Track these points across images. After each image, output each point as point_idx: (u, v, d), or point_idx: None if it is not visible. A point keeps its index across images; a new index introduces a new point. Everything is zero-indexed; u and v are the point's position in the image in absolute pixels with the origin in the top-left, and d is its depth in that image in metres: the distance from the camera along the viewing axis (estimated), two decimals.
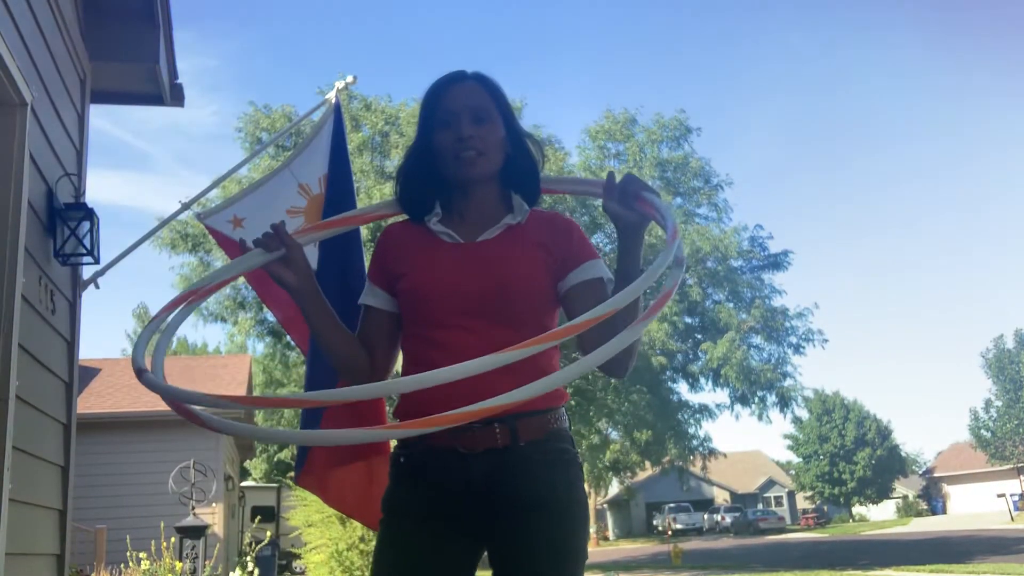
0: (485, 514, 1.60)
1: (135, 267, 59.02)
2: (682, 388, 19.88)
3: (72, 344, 4.13)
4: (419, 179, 1.79)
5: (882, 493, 51.08)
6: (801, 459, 52.34)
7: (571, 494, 1.64)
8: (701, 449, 20.34)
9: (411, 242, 1.76)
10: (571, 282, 1.68)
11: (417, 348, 1.69)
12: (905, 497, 55.91)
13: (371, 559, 1.77)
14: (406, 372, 1.67)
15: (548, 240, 1.71)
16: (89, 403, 12.71)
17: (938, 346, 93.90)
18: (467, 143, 1.70)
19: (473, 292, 1.64)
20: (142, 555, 7.90)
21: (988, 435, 44.04)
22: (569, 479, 1.65)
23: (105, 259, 4.29)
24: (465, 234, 1.72)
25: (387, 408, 3.81)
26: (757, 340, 18.57)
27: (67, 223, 3.85)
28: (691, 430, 19.81)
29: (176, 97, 5.13)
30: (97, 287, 4.39)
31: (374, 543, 1.75)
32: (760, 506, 52.08)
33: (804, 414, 33.28)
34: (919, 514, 52.46)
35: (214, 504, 12.48)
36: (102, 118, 62.17)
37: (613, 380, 17.59)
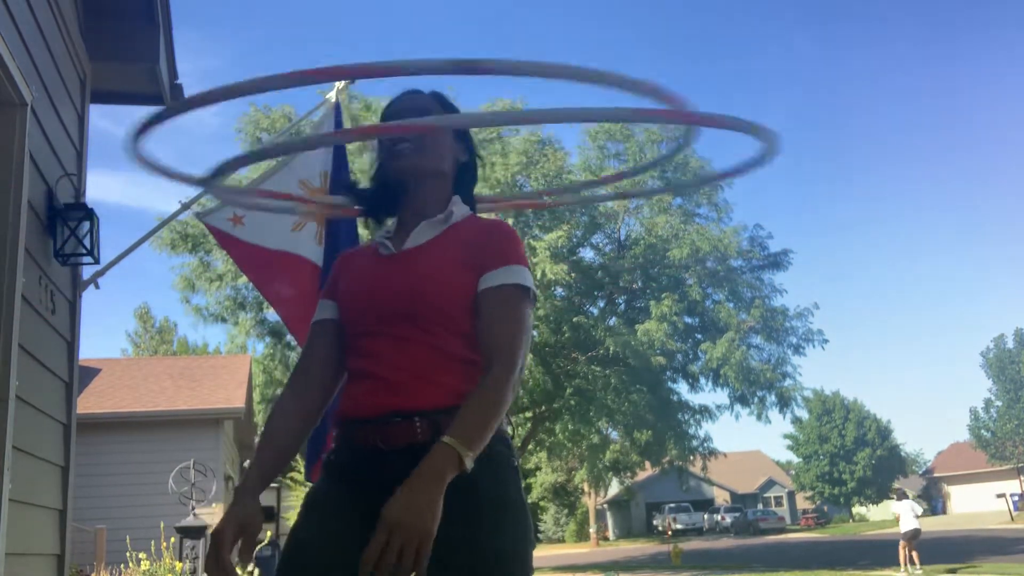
0: None
1: (135, 267, 59.11)
2: (682, 388, 19.91)
3: (72, 344, 4.13)
4: (376, 190, 1.81)
5: (882, 493, 51.06)
6: (801, 459, 52.33)
7: (503, 497, 1.54)
8: (701, 449, 20.32)
9: (356, 259, 1.79)
10: (480, 287, 1.61)
11: (349, 358, 1.68)
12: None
13: None
14: (344, 387, 1.67)
15: (473, 241, 1.65)
16: (89, 403, 12.70)
17: (938, 346, 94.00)
18: (404, 136, 1.70)
19: (388, 298, 1.62)
20: (142, 555, 7.89)
21: (988, 435, 44.04)
22: (497, 478, 1.55)
23: (105, 259, 4.30)
24: (399, 242, 1.71)
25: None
26: (757, 340, 18.56)
27: (67, 223, 3.85)
28: (691, 430, 19.81)
29: (176, 97, 5.13)
30: (97, 287, 4.39)
31: None
32: (760, 506, 52.05)
33: (804, 414, 33.27)
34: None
35: (214, 504, 12.48)
36: (103, 118, 62.24)
37: (613, 380, 17.59)
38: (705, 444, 20.30)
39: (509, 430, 1.66)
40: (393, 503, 1.35)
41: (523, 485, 1.64)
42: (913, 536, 14.11)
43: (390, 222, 1.78)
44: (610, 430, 21.12)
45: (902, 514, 14.38)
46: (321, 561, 1.52)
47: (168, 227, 15.49)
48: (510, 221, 16.06)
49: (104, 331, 59.78)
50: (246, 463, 19.85)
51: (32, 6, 3.43)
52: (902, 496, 15.05)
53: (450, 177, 1.78)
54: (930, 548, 20.09)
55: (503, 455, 1.59)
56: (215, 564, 1.45)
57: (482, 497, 1.51)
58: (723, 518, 46.61)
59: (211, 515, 12.18)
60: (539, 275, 15.53)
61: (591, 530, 44.84)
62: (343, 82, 5.18)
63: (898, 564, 14.31)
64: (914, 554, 14.10)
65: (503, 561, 1.49)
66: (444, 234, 1.69)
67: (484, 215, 1.86)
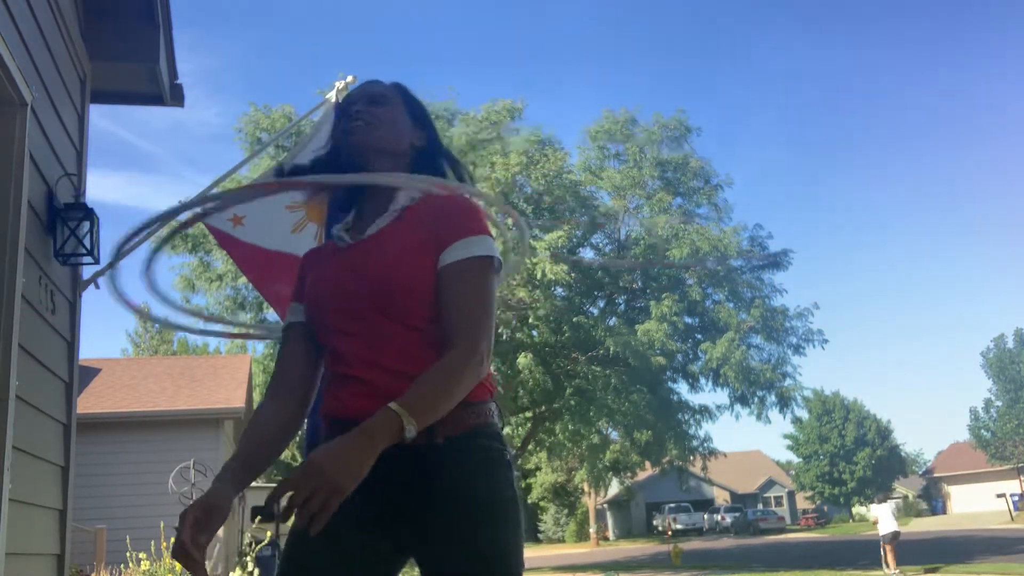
0: (403, 518, 1.51)
1: (135, 267, 59.09)
2: (682, 388, 19.92)
3: (72, 344, 4.13)
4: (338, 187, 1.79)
5: (882, 493, 51.07)
6: (801, 459, 52.33)
7: (495, 494, 1.51)
8: (701, 449, 20.33)
9: (317, 256, 1.75)
10: (440, 264, 1.56)
11: (327, 359, 1.65)
12: (905, 497, 55.91)
13: None
14: (327, 387, 1.64)
15: (429, 219, 1.60)
16: (89, 403, 12.70)
17: (938, 346, 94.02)
18: (355, 115, 1.68)
19: (351, 292, 1.58)
20: (142, 555, 7.88)
21: (988, 435, 44.05)
22: (494, 478, 1.53)
23: (105, 259, 4.30)
24: (358, 232, 1.67)
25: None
26: (757, 340, 18.57)
27: (67, 223, 3.85)
28: (691, 430, 19.83)
29: (176, 97, 5.13)
30: (97, 287, 4.39)
31: None
32: (760, 506, 52.06)
33: (804, 414, 33.29)
34: (919, 514, 52.45)
35: None
36: (105, 119, 62.28)
37: (613, 380, 17.58)
38: (705, 444, 20.32)
39: (507, 429, 1.64)
40: (321, 449, 1.34)
41: (519, 481, 1.63)
42: (893, 538, 15.01)
43: (350, 215, 1.74)
44: (610, 430, 21.12)
45: (881, 517, 15.22)
46: (320, 563, 1.52)
47: (168, 227, 15.48)
48: (509, 221, 16.07)
49: (104, 331, 59.82)
50: None
51: (32, 6, 3.43)
52: (883, 500, 16.15)
53: (404, 160, 1.73)
54: (930, 548, 20.10)
55: (497, 451, 1.57)
56: (177, 545, 1.43)
57: (478, 496, 1.50)
58: (723, 518, 46.62)
59: None
60: (539, 275, 15.52)
61: (591, 530, 44.85)
62: (343, 81, 5.18)
63: (887, 565, 15.01)
64: (890, 557, 15.00)
65: (497, 557, 1.48)
66: (400, 217, 1.64)
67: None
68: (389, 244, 1.60)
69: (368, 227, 1.66)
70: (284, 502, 1.31)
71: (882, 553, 15.16)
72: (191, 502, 1.49)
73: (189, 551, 1.41)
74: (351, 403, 1.54)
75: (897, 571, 14.67)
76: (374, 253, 1.60)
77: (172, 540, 1.60)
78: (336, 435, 1.57)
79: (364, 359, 1.55)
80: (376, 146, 1.68)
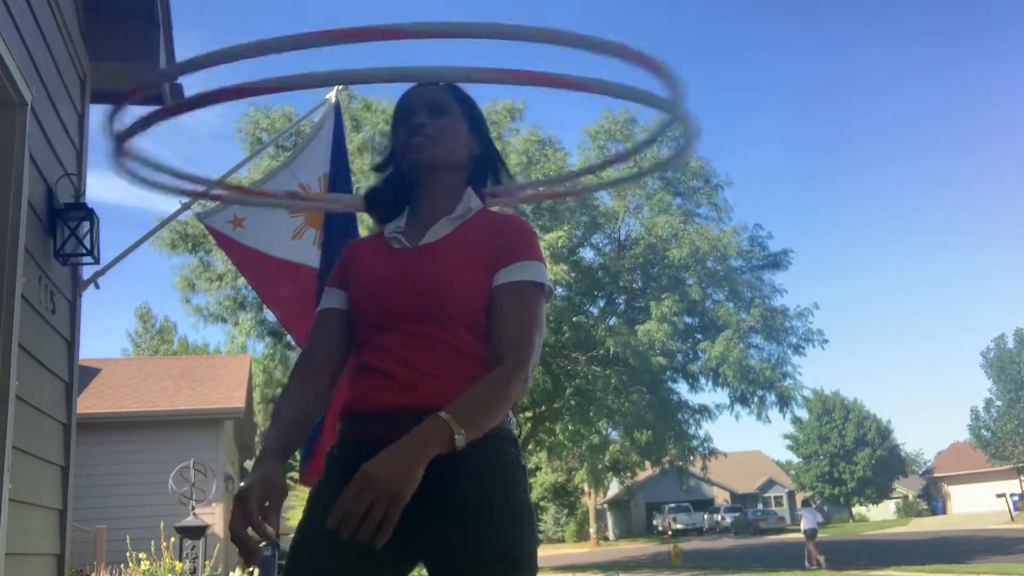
0: (415, 518, 1.48)
1: (135, 267, 59.15)
2: (682, 388, 19.93)
3: (72, 344, 4.13)
4: (387, 184, 1.79)
5: (882, 493, 51.07)
6: (801, 459, 52.33)
7: (509, 497, 1.53)
8: (701, 449, 20.34)
9: (367, 251, 1.75)
10: (495, 283, 1.60)
11: (360, 351, 1.66)
12: (905, 497, 55.89)
13: None
14: (351, 380, 1.65)
15: (488, 237, 1.64)
16: (89, 403, 12.70)
17: (938, 346, 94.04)
18: (418, 130, 1.68)
19: (406, 294, 1.60)
20: (142, 555, 7.88)
21: (988, 435, 44.03)
22: (508, 482, 1.54)
23: (105, 259, 4.30)
24: (414, 236, 1.69)
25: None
26: (757, 340, 18.58)
27: (67, 223, 3.85)
28: (691, 430, 19.83)
29: (176, 97, 5.13)
30: (97, 287, 4.40)
31: None
32: (760, 506, 52.04)
33: (804, 414, 33.31)
34: (919, 514, 52.44)
35: (214, 504, 12.48)
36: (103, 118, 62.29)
37: (613, 380, 17.57)
38: (705, 444, 20.33)
39: (516, 431, 1.65)
40: (374, 459, 1.34)
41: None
42: (811, 535, 16.61)
43: (404, 216, 1.75)
44: (610, 430, 21.12)
45: (804, 515, 17.00)
46: (326, 559, 1.51)
47: (168, 227, 15.50)
48: None
49: (104, 331, 59.87)
50: (247, 463, 19.91)
51: (32, 6, 3.44)
52: (805, 503, 18.60)
53: (464, 169, 1.75)
54: (930, 548, 20.10)
55: (512, 456, 1.58)
56: (242, 519, 1.38)
57: (492, 500, 1.50)
58: (723, 518, 46.59)
59: (211, 515, 12.18)
60: None
61: (591, 530, 44.86)
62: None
63: (810, 561, 16.31)
64: (812, 552, 16.47)
65: (513, 563, 1.49)
66: (459, 229, 1.67)
67: (495, 209, 1.83)
68: (444, 254, 1.63)
69: (423, 233, 1.68)
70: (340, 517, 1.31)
71: (813, 551, 16.34)
72: (242, 484, 1.45)
73: (261, 529, 1.38)
74: (371, 396, 1.56)
75: (817, 565, 15.88)
76: (432, 262, 1.62)
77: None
78: (351, 429, 1.59)
79: (398, 355, 1.57)
80: (443, 160, 1.70)
